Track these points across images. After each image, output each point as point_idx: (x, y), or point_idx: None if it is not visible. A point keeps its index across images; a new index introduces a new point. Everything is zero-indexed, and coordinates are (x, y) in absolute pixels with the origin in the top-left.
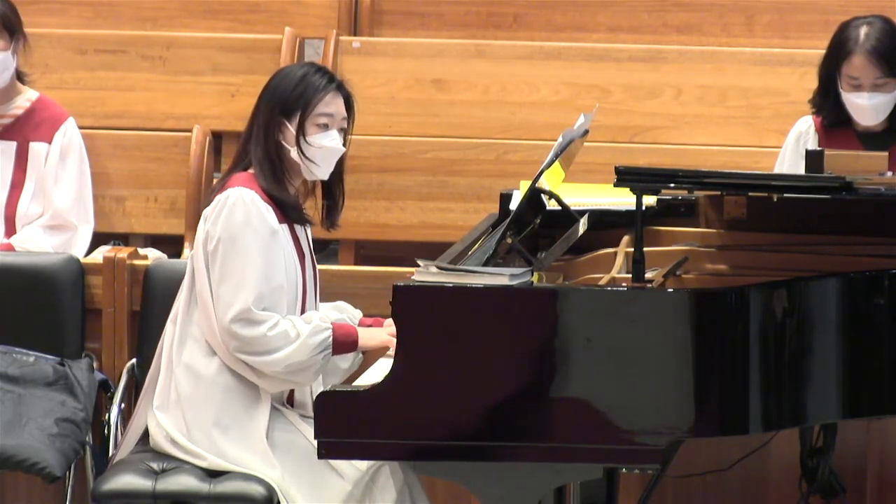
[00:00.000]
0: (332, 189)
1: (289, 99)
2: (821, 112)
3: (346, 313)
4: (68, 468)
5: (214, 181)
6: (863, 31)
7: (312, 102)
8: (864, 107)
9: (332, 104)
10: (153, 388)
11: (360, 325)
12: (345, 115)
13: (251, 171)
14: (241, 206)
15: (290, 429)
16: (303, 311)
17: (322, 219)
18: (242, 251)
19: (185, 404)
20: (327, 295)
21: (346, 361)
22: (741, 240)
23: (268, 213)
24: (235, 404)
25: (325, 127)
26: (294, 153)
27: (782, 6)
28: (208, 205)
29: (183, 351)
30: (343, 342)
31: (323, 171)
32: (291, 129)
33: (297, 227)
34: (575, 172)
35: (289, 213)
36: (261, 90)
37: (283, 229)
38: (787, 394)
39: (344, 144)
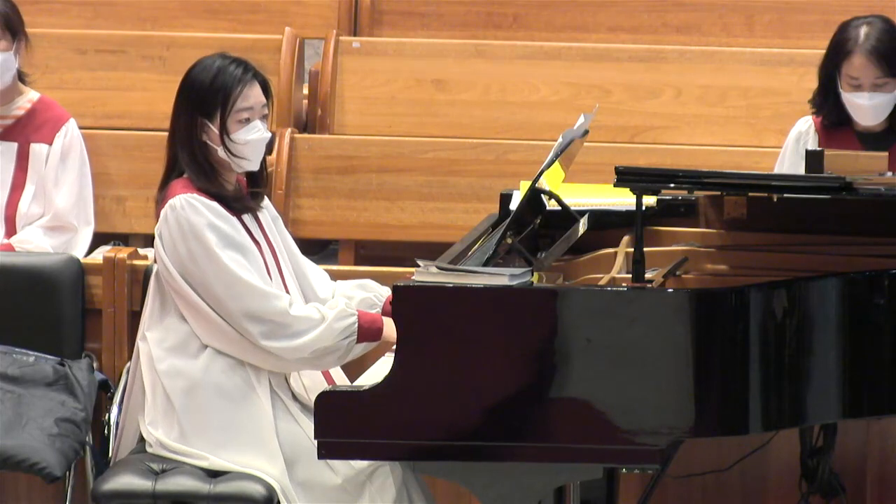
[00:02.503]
0: (256, 176)
1: (205, 98)
2: (821, 112)
3: (372, 292)
4: (68, 468)
5: None
6: (863, 30)
7: (230, 99)
8: (864, 107)
9: (250, 96)
10: (136, 400)
11: (387, 303)
12: (264, 101)
13: (186, 175)
14: (191, 209)
15: (289, 421)
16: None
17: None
18: (215, 248)
19: (181, 413)
20: None
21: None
22: (741, 240)
23: (217, 206)
24: (231, 405)
25: (247, 121)
26: (221, 152)
27: (782, 6)
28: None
29: (164, 361)
30: (368, 329)
31: (253, 164)
32: (214, 128)
33: (245, 218)
34: (575, 172)
35: (233, 205)
36: (178, 88)
37: (234, 221)
38: (787, 394)
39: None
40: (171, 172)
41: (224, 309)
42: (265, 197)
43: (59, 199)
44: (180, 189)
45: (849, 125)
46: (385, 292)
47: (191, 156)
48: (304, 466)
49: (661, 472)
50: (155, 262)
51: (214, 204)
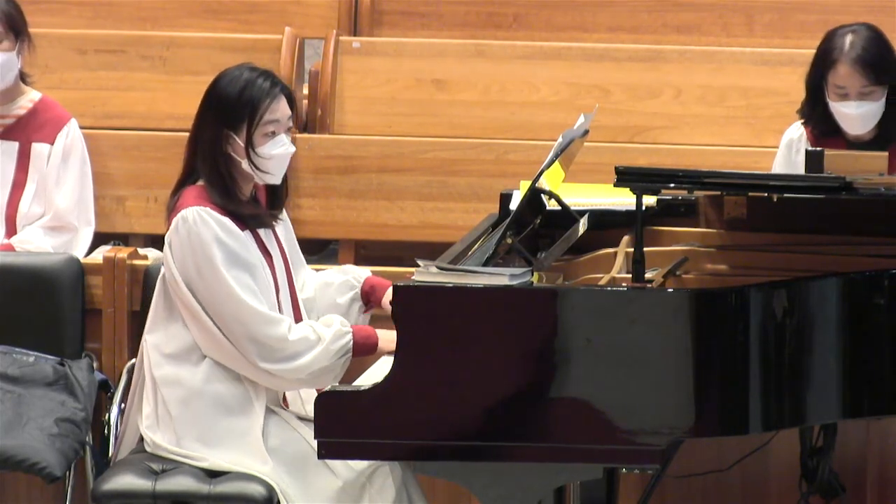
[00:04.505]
0: (278, 190)
1: (233, 111)
2: (810, 122)
3: (350, 273)
4: (68, 468)
5: None
6: (848, 39)
7: (258, 113)
8: (852, 116)
9: (277, 110)
10: (139, 397)
11: (366, 283)
12: (290, 114)
13: (201, 183)
14: (202, 223)
15: (286, 429)
16: (280, 310)
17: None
18: (221, 267)
19: (177, 423)
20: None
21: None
22: (741, 240)
23: (228, 222)
24: (228, 415)
25: (273, 134)
26: (245, 164)
27: (782, 6)
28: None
29: (163, 366)
30: (363, 345)
31: (276, 178)
32: (240, 141)
33: (261, 230)
34: (575, 172)
35: (248, 222)
36: (203, 97)
37: (247, 235)
38: (787, 394)
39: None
40: (187, 179)
41: (226, 326)
42: (280, 209)
43: (60, 199)
44: (193, 199)
45: (840, 134)
46: (363, 274)
47: (213, 168)
48: (304, 470)
49: (661, 472)
50: (163, 265)
51: (226, 219)
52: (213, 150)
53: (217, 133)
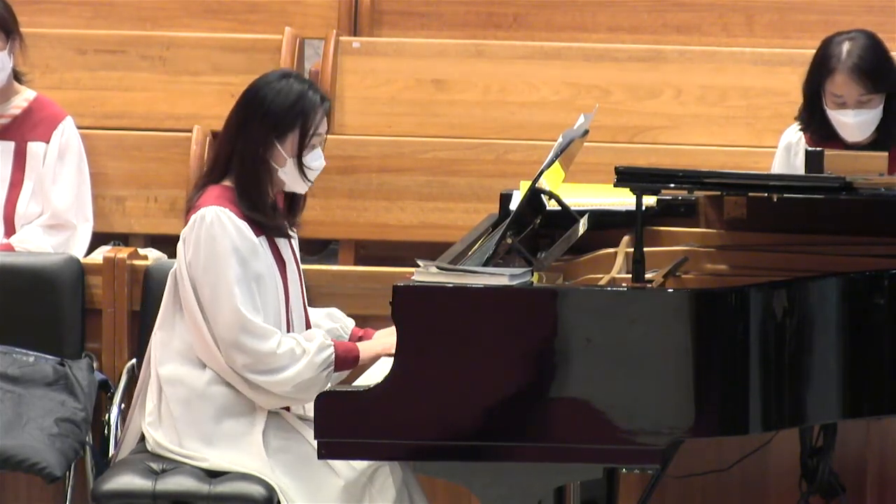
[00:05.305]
0: (297, 197)
1: (284, 122)
2: (808, 128)
3: (339, 322)
4: (68, 468)
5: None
6: (845, 47)
7: (310, 125)
8: (850, 124)
9: (323, 123)
10: (143, 393)
11: (352, 335)
12: (327, 128)
13: (226, 183)
14: (219, 225)
15: (288, 430)
16: (287, 320)
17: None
18: (230, 273)
19: (178, 422)
20: (326, 295)
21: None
22: (741, 240)
23: (245, 228)
24: (231, 419)
25: (314, 146)
26: (280, 173)
27: (782, 6)
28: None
29: (167, 364)
30: (345, 358)
31: (306, 187)
32: (282, 150)
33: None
34: (575, 172)
35: (268, 232)
36: (245, 101)
37: (262, 241)
38: (787, 394)
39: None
40: (211, 177)
41: (218, 332)
42: (298, 217)
43: (58, 198)
44: (215, 199)
45: (838, 139)
46: (350, 323)
47: (251, 173)
48: (305, 470)
49: (661, 472)
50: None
51: (242, 224)
52: (256, 156)
53: (263, 141)
